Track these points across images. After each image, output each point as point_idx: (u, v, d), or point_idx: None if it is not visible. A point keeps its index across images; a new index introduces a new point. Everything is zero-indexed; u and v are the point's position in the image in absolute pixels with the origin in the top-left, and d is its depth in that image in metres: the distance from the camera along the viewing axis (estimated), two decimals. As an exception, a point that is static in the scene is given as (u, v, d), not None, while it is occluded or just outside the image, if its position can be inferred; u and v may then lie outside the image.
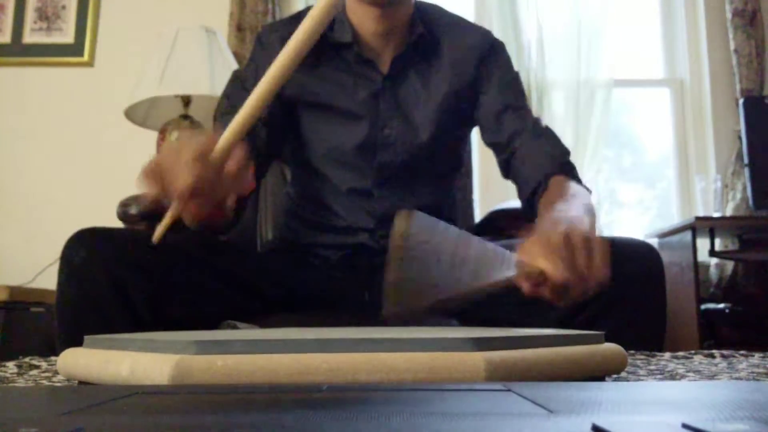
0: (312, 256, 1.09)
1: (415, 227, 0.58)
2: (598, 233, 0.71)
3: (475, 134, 1.22)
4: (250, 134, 1.04)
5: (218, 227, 0.95)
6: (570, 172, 1.00)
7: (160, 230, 0.72)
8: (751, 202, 2.32)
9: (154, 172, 0.68)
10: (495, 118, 1.07)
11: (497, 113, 1.07)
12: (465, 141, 1.21)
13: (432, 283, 0.61)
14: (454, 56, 1.09)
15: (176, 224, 0.77)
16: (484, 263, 0.66)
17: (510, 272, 0.66)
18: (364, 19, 1.06)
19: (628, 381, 0.53)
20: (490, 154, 1.12)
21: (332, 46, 1.07)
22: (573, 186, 0.93)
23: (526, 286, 0.68)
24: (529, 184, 1.01)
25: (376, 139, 1.06)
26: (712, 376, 0.55)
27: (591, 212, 0.87)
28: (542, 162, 1.00)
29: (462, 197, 1.49)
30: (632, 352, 0.76)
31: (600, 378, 0.49)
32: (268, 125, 1.05)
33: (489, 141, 1.09)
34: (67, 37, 2.60)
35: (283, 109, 1.08)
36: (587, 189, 0.98)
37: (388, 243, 1.07)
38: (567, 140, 1.07)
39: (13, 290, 1.99)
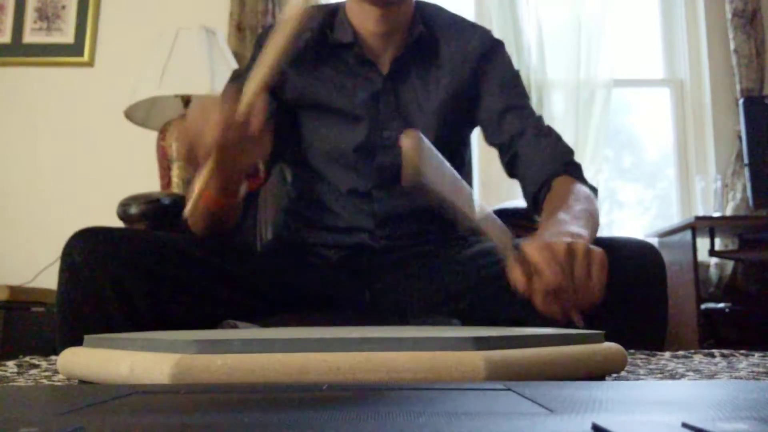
0: (312, 256, 1.09)
1: (426, 142, 0.59)
2: (606, 266, 0.70)
3: (476, 134, 1.21)
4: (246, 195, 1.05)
5: (228, 220, 0.97)
6: (574, 171, 1.00)
7: (191, 203, 0.78)
8: (751, 202, 2.32)
9: (185, 132, 0.76)
10: (497, 119, 1.07)
11: (499, 114, 1.06)
12: (466, 142, 1.21)
13: (445, 168, 0.62)
14: (454, 56, 1.09)
15: (183, 225, 0.81)
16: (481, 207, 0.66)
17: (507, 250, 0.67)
18: (364, 20, 1.06)
19: (628, 380, 0.53)
20: (490, 154, 1.12)
21: (332, 46, 1.07)
22: (577, 188, 0.93)
23: (516, 274, 0.68)
24: (533, 185, 1.01)
25: (376, 141, 1.06)
26: (712, 376, 0.55)
27: (594, 218, 0.88)
28: (546, 162, 1.00)
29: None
30: (632, 351, 0.76)
31: (600, 377, 0.49)
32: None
33: (492, 142, 1.09)
34: (67, 37, 2.60)
35: (284, 111, 1.08)
36: (593, 188, 0.97)
37: (388, 243, 1.07)
38: (567, 140, 1.07)
39: (13, 290, 1.99)
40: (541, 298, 0.68)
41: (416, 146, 0.55)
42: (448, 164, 0.62)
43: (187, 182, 1.86)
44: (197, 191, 0.78)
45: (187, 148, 0.77)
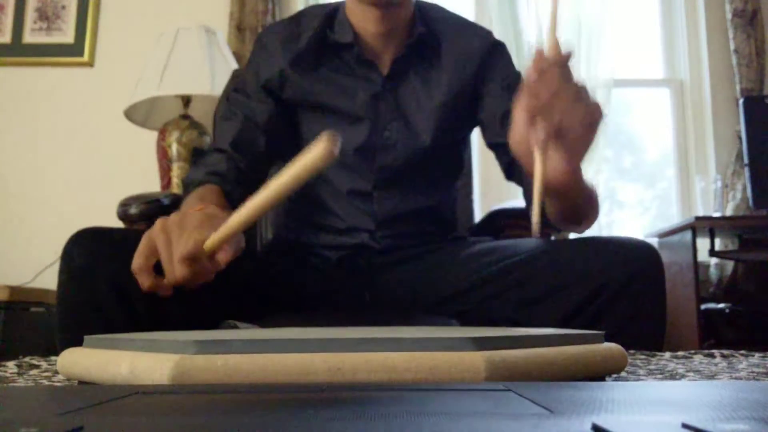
0: (312, 257, 1.09)
1: None
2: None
3: (475, 134, 1.21)
4: (248, 142, 1.04)
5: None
6: None
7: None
8: (751, 202, 2.32)
9: (148, 256, 0.72)
10: (498, 121, 1.06)
11: (500, 116, 1.06)
12: (466, 142, 1.21)
13: None
14: (454, 57, 1.08)
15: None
16: None
17: None
18: (364, 20, 1.06)
19: (628, 381, 0.53)
20: (490, 154, 1.12)
21: (332, 47, 1.07)
22: None
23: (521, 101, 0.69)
24: None
25: (377, 142, 1.06)
26: (712, 376, 0.55)
27: (594, 201, 0.88)
28: None
29: (462, 197, 1.49)
30: (632, 352, 0.76)
31: (600, 378, 0.49)
32: (267, 131, 1.05)
33: (492, 142, 1.09)
34: (67, 37, 2.60)
35: (284, 112, 1.08)
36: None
37: (388, 243, 1.07)
38: (567, 140, 1.07)
39: (13, 290, 1.99)
40: (533, 105, 0.68)
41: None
42: None
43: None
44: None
45: (143, 266, 0.72)
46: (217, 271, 0.72)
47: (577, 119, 0.68)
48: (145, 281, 0.73)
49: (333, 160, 0.54)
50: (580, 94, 0.69)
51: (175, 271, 0.70)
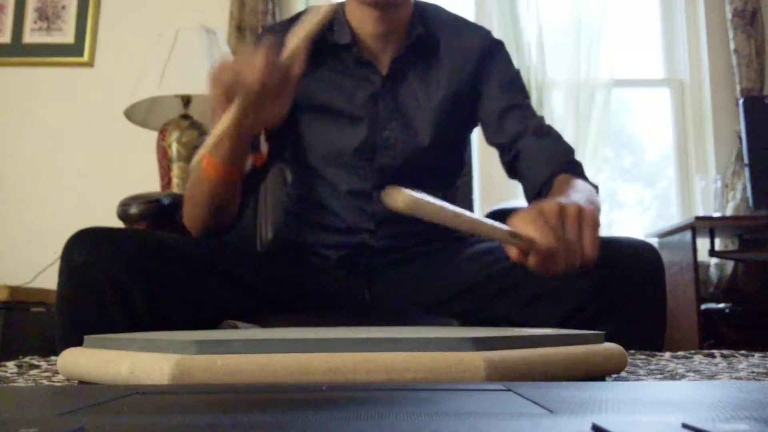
0: (312, 256, 1.09)
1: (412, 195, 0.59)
2: (599, 225, 0.72)
3: (476, 134, 1.21)
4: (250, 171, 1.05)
5: (227, 206, 0.97)
6: (575, 170, 1.00)
7: (214, 137, 0.78)
8: (751, 202, 2.32)
9: (225, 70, 0.76)
10: (497, 119, 1.06)
11: (500, 113, 1.06)
12: (465, 142, 1.21)
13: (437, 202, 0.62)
14: (453, 57, 1.08)
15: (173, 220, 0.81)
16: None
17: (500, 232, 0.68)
18: (363, 21, 1.06)
19: (628, 381, 0.53)
20: (490, 154, 1.12)
21: (331, 47, 1.07)
22: (577, 182, 0.93)
23: (513, 252, 0.69)
24: (534, 184, 1.01)
25: (376, 142, 1.06)
26: (712, 376, 0.55)
27: (594, 202, 0.88)
28: (547, 162, 1.00)
29: (462, 197, 1.49)
30: (632, 352, 0.76)
31: (600, 378, 0.49)
32: (267, 131, 1.05)
33: (492, 141, 1.09)
34: (67, 37, 2.60)
35: None
36: (594, 185, 0.97)
37: (388, 243, 1.07)
38: (567, 140, 1.07)
39: (13, 290, 1.98)
40: (538, 263, 0.69)
41: (405, 203, 0.57)
42: (444, 204, 0.62)
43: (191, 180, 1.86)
44: (215, 135, 0.77)
45: (225, 87, 0.76)
46: (289, 84, 0.80)
47: (577, 258, 0.70)
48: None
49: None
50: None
51: (258, 69, 0.75)
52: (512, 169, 1.07)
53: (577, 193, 0.86)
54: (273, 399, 0.31)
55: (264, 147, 1.02)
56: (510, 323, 0.91)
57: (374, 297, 1.07)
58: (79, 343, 0.52)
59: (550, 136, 1.04)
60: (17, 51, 2.59)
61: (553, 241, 0.67)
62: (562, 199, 0.74)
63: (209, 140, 0.78)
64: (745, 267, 2.42)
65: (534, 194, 1.01)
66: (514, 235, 0.68)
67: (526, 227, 0.68)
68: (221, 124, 0.77)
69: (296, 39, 0.79)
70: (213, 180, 0.91)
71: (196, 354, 0.40)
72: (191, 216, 0.99)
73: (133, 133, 2.23)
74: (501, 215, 0.73)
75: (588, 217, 0.70)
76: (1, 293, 1.95)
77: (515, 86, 1.10)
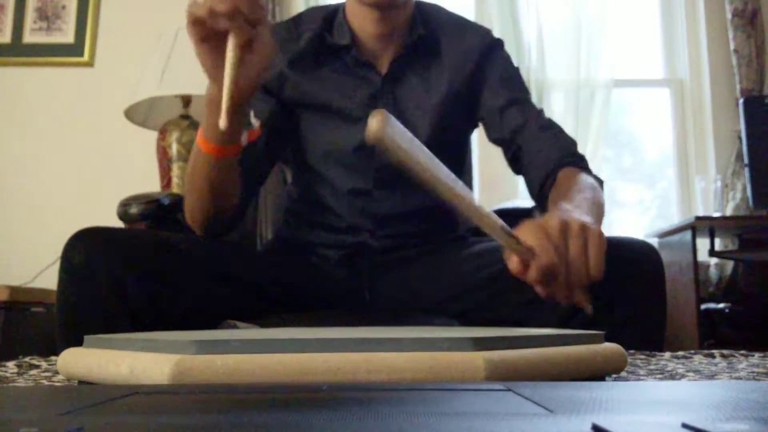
0: (312, 256, 1.09)
1: (393, 122, 0.58)
2: (605, 244, 0.68)
3: (476, 133, 1.21)
4: (246, 148, 1.04)
5: (228, 194, 0.96)
6: (579, 163, 0.99)
7: (225, 103, 0.75)
8: (751, 202, 2.32)
9: (197, 5, 0.75)
10: (498, 115, 1.06)
11: (500, 109, 1.06)
12: (466, 142, 1.21)
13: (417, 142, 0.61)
14: (453, 56, 1.08)
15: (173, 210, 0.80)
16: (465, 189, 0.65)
17: (501, 240, 0.65)
18: (363, 22, 1.06)
19: (628, 381, 0.53)
20: (490, 153, 1.12)
21: (331, 48, 1.07)
22: (582, 179, 0.92)
23: (513, 262, 0.66)
24: (538, 178, 1.00)
25: (376, 141, 1.06)
26: (712, 376, 0.55)
27: (598, 206, 0.86)
28: (549, 154, 0.99)
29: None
30: (632, 352, 0.76)
31: (600, 378, 0.49)
32: (267, 130, 1.05)
33: (494, 138, 1.09)
34: (67, 37, 2.60)
35: (283, 112, 1.08)
36: (598, 179, 0.96)
37: (388, 243, 1.07)
38: (567, 138, 1.06)
39: (13, 290, 1.98)
40: (540, 280, 0.66)
41: (381, 126, 0.55)
42: (424, 148, 0.62)
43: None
44: (227, 88, 0.75)
45: (201, 22, 0.74)
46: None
47: (581, 277, 0.67)
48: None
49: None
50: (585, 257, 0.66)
51: None
52: (516, 165, 1.06)
53: (581, 194, 0.85)
54: (273, 399, 0.31)
55: (255, 122, 1.00)
56: (510, 323, 0.91)
57: (374, 297, 1.07)
58: (79, 343, 0.52)
59: (552, 128, 1.03)
60: (17, 51, 2.59)
61: (554, 256, 0.64)
62: (566, 214, 0.71)
63: (223, 104, 0.75)
64: (745, 267, 2.42)
65: (538, 189, 1.00)
66: (510, 234, 0.65)
67: (526, 235, 0.66)
68: (226, 79, 0.75)
69: None
70: (212, 161, 0.89)
71: (196, 354, 0.40)
72: (192, 206, 0.97)
73: (133, 133, 2.23)
74: (501, 215, 0.72)
75: (593, 235, 0.66)
76: (1, 293, 1.95)
77: (515, 82, 1.10)
